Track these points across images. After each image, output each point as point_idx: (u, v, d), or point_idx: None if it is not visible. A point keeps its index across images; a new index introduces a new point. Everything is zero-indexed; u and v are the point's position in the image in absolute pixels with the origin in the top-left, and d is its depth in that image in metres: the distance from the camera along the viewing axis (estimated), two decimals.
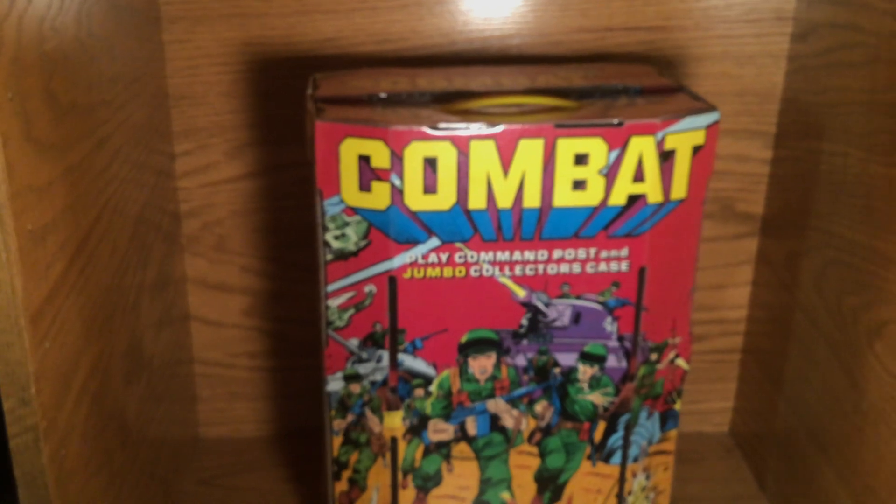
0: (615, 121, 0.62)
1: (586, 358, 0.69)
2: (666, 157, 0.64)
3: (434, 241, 0.64)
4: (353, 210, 0.63)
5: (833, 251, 0.73)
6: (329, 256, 0.65)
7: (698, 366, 0.95)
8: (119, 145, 0.69)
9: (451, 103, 0.66)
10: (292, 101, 0.85)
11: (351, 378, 0.69)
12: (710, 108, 0.65)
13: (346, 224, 0.63)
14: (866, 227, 0.68)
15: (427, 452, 0.72)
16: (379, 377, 0.69)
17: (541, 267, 0.66)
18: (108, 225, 0.66)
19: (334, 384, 0.69)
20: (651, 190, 0.64)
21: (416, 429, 0.70)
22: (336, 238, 0.64)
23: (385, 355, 0.68)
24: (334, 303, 0.66)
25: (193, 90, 0.84)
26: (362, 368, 0.68)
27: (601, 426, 0.72)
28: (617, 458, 0.73)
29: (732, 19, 0.83)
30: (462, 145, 0.62)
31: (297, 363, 0.94)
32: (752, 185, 0.88)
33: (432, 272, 0.65)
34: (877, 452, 0.66)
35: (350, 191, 0.63)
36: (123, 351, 0.70)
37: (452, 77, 0.72)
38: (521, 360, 0.69)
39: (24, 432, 0.53)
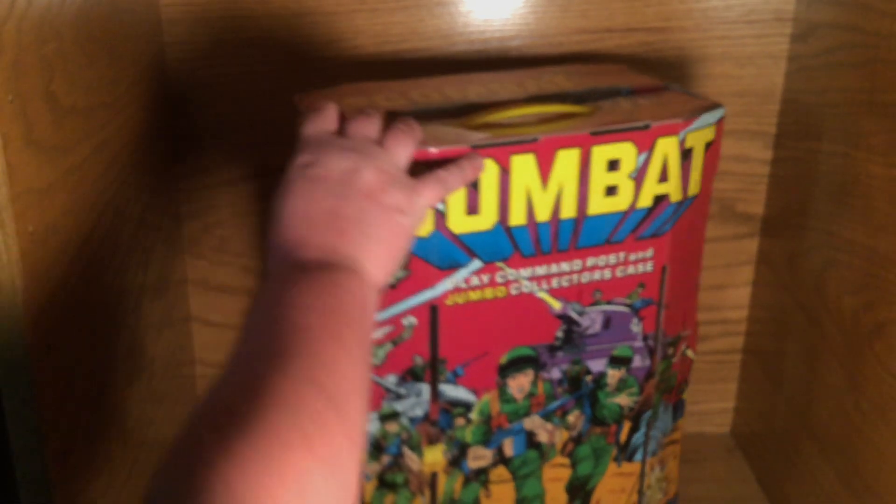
0: (642, 123, 0.62)
1: (615, 361, 0.69)
2: (686, 155, 0.64)
3: (476, 264, 0.61)
4: None
5: (833, 251, 0.73)
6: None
7: (699, 366, 0.95)
8: (119, 147, 0.69)
9: (463, 118, 0.63)
10: (292, 101, 0.85)
11: (387, 417, 0.65)
12: (717, 104, 0.66)
13: None
14: (866, 227, 0.68)
15: (466, 482, 0.68)
16: (419, 412, 0.65)
17: (575, 277, 0.65)
18: (109, 226, 0.66)
19: (373, 426, 0.65)
20: (673, 189, 0.65)
21: (457, 459, 0.67)
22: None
23: (425, 388, 0.64)
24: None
25: (194, 92, 0.84)
26: (400, 405, 0.64)
27: (626, 427, 0.72)
28: (639, 455, 0.73)
29: (732, 20, 0.83)
30: (503, 160, 0.59)
31: None
32: (752, 185, 0.88)
33: (474, 295, 0.62)
34: (877, 452, 0.66)
35: None
36: (124, 352, 0.70)
37: (443, 89, 0.70)
38: (556, 374, 0.67)
39: (26, 434, 0.54)
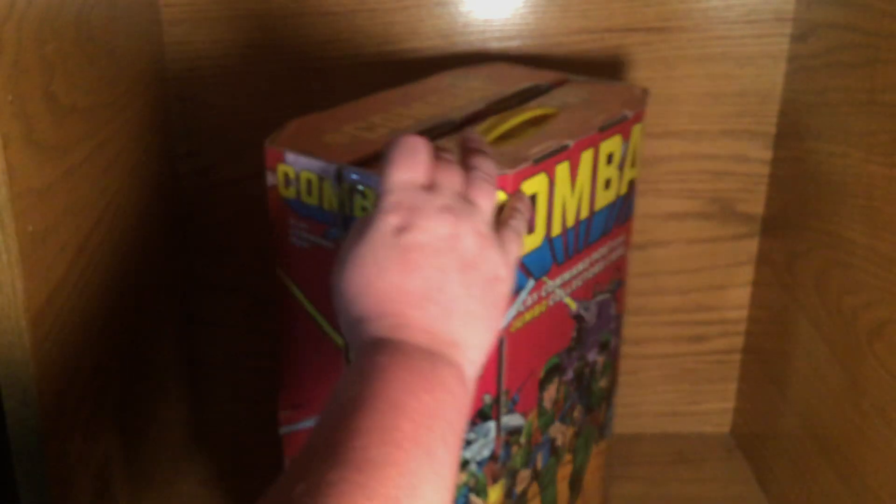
0: (629, 114, 0.64)
1: (601, 348, 0.70)
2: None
3: (531, 283, 0.59)
4: None
5: (833, 251, 0.73)
6: None
7: (699, 366, 0.95)
8: (119, 147, 0.69)
9: (450, 136, 0.60)
10: (292, 102, 0.85)
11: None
12: (637, 87, 0.70)
13: None
14: (866, 227, 0.68)
15: None
16: (486, 453, 0.60)
17: (586, 274, 0.65)
18: (110, 226, 0.66)
19: None
20: (637, 172, 0.67)
21: (510, 490, 0.64)
22: None
23: (492, 426, 0.60)
24: None
25: (194, 92, 0.84)
26: (469, 452, 0.60)
27: (604, 407, 0.72)
28: (608, 430, 0.74)
29: (732, 20, 0.83)
30: (551, 172, 0.58)
31: None
32: (752, 186, 0.88)
33: (528, 316, 0.59)
34: (877, 452, 0.66)
35: None
36: (124, 352, 0.70)
37: (407, 107, 0.66)
38: (570, 375, 0.66)
39: (26, 434, 0.54)
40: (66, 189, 0.58)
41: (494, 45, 0.83)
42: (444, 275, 0.46)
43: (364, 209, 0.54)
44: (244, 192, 0.87)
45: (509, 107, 0.65)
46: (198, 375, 0.94)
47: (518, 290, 0.57)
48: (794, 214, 0.82)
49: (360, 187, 0.54)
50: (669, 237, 0.90)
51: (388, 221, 0.47)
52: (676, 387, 0.95)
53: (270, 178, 0.58)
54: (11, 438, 0.54)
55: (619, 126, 0.63)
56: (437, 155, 0.51)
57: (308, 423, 0.63)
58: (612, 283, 0.69)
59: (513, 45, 0.83)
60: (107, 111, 0.66)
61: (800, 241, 0.80)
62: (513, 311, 0.57)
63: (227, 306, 0.92)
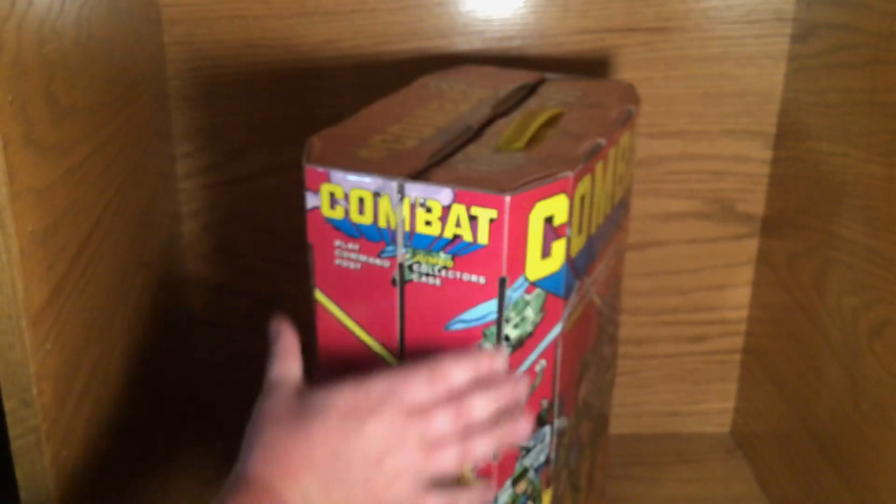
0: (633, 108, 0.64)
1: (611, 340, 0.70)
2: None
3: (577, 283, 0.58)
4: (535, 285, 0.53)
5: (833, 251, 0.73)
6: (507, 352, 0.54)
7: (699, 366, 0.95)
8: (119, 147, 0.69)
9: (490, 141, 0.59)
10: (292, 102, 0.85)
11: (519, 478, 0.58)
12: (622, 80, 0.71)
13: (526, 305, 0.54)
14: (866, 227, 0.68)
15: None
16: (542, 458, 0.59)
17: (606, 269, 0.65)
18: (109, 226, 0.66)
19: (504, 497, 0.58)
20: (632, 166, 0.68)
21: (557, 493, 0.63)
22: (515, 326, 0.54)
23: (548, 431, 0.58)
24: None
25: (194, 92, 0.84)
26: (528, 460, 0.58)
27: (608, 399, 0.73)
28: (609, 422, 0.75)
29: (732, 20, 0.83)
30: (594, 171, 0.57)
31: None
32: (752, 185, 0.88)
33: (574, 316, 0.58)
34: (877, 452, 0.66)
35: (534, 264, 0.53)
36: (124, 352, 0.70)
37: (416, 115, 0.64)
38: (592, 370, 0.66)
39: (26, 433, 0.54)
40: (66, 189, 0.58)
41: (494, 45, 0.83)
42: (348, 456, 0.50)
43: (428, 223, 0.52)
44: (244, 191, 0.87)
45: (511, 109, 0.65)
46: (198, 375, 0.94)
47: (568, 292, 0.56)
48: (794, 214, 0.82)
49: (424, 201, 0.52)
50: (669, 237, 0.90)
51: (345, 403, 0.51)
52: (676, 387, 0.95)
53: (312, 200, 0.55)
54: (13, 440, 0.54)
55: (629, 121, 0.64)
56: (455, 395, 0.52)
57: None
58: (618, 277, 0.69)
59: (513, 45, 0.83)
60: (107, 111, 0.66)
61: (800, 241, 0.80)
62: (566, 313, 0.56)
63: (227, 306, 0.92)
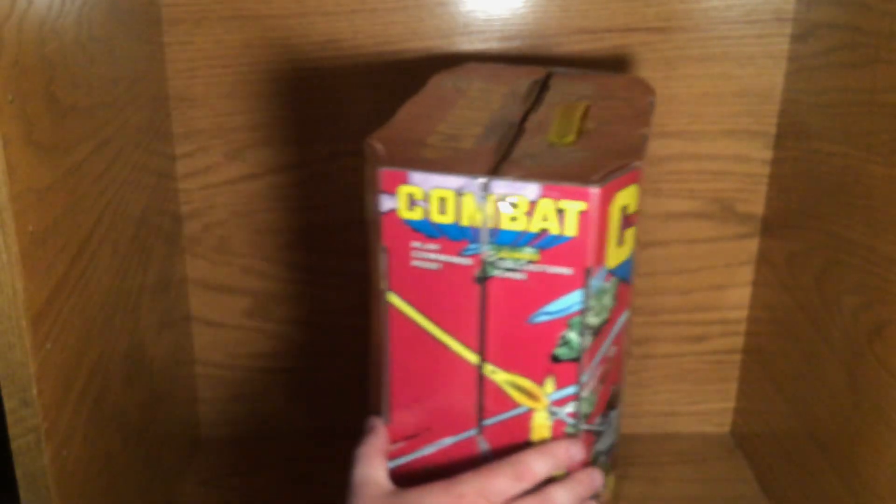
0: (653, 99, 0.64)
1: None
2: None
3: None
4: (612, 273, 0.54)
5: (833, 251, 0.73)
6: (588, 341, 0.54)
7: (699, 366, 0.95)
8: (119, 147, 0.69)
9: (542, 134, 0.59)
10: (292, 102, 0.85)
11: (593, 463, 0.59)
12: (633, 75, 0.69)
13: (605, 293, 0.54)
14: (866, 227, 0.68)
15: None
16: (609, 441, 0.59)
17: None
18: (109, 226, 0.66)
19: None
20: None
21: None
22: (596, 315, 0.54)
23: (615, 414, 0.59)
24: (586, 391, 0.56)
25: (194, 92, 0.84)
26: (601, 444, 0.59)
27: None
28: None
29: (732, 20, 0.83)
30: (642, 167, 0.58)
31: (298, 364, 0.94)
32: (752, 185, 0.88)
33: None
34: (877, 452, 0.66)
35: (612, 253, 0.53)
36: (124, 352, 0.70)
37: (457, 114, 0.64)
38: None
39: (26, 433, 0.54)
40: (66, 189, 0.58)
41: (494, 45, 0.83)
42: None
43: (514, 219, 0.52)
44: (244, 191, 0.87)
45: (536, 104, 0.64)
46: (198, 375, 0.94)
47: (632, 278, 0.57)
48: (794, 214, 0.82)
49: (510, 197, 0.52)
50: (669, 237, 0.90)
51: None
52: (677, 387, 0.95)
53: (387, 203, 0.54)
54: (13, 439, 0.54)
55: (653, 111, 0.63)
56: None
57: (425, 452, 0.60)
58: None
59: (513, 45, 0.83)
60: (107, 111, 0.66)
61: (800, 241, 0.80)
62: (632, 296, 0.58)
63: (227, 306, 0.92)
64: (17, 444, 0.54)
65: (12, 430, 0.53)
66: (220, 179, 0.87)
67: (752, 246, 0.90)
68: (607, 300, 0.54)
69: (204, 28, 0.82)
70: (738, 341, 0.94)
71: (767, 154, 0.87)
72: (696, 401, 0.96)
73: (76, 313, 0.59)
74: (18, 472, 0.54)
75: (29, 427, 0.53)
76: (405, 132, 0.59)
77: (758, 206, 0.89)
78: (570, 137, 0.57)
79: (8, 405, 0.53)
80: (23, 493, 0.55)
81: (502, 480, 0.54)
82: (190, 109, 0.84)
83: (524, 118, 0.61)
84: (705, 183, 0.88)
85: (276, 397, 0.96)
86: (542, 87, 0.68)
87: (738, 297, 0.92)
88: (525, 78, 0.70)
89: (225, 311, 0.92)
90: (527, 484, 0.54)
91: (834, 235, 0.73)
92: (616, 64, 0.84)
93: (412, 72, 0.83)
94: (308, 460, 0.93)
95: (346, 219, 0.88)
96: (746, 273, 0.91)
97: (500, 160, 0.54)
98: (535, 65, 0.79)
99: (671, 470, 0.92)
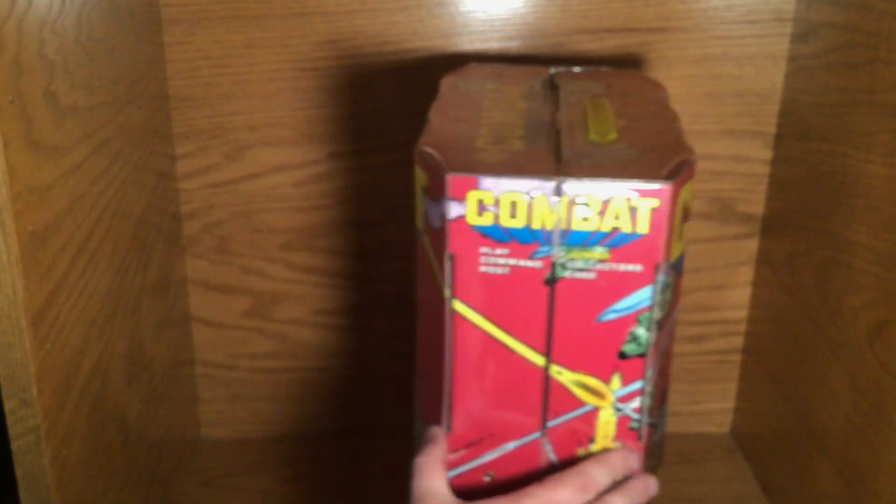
0: (667, 94, 0.64)
1: None
2: None
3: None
4: (672, 267, 0.54)
5: (833, 251, 0.73)
6: (654, 336, 0.54)
7: (699, 366, 0.95)
8: (119, 147, 0.69)
9: (582, 134, 0.59)
10: (292, 102, 0.85)
11: (651, 454, 0.59)
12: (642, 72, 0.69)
13: (668, 287, 0.54)
14: (866, 227, 0.68)
15: None
16: (661, 433, 0.60)
17: None
18: (109, 226, 0.66)
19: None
20: None
21: None
22: (661, 309, 0.54)
23: (667, 406, 0.60)
24: (650, 385, 0.56)
25: (194, 92, 0.84)
26: (657, 436, 0.59)
27: None
28: None
29: (732, 20, 0.83)
30: None
31: (298, 364, 0.94)
32: (752, 186, 0.88)
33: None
34: (877, 453, 0.66)
35: (675, 248, 0.54)
36: (124, 352, 0.70)
37: (492, 117, 0.63)
38: None
39: (26, 433, 0.54)
40: (67, 189, 0.58)
41: (494, 45, 0.83)
42: None
43: (585, 219, 0.52)
44: (244, 191, 0.87)
45: (555, 104, 0.64)
46: (198, 375, 0.94)
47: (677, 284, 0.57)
48: (794, 214, 0.82)
49: (582, 198, 0.52)
50: None
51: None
52: (676, 387, 0.95)
53: (455, 209, 0.53)
54: (13, 439, 0.54)
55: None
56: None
57: (487, 458, 0.59)
58: None
59: (513, 45, 0.83)
60: (107, 111, 0.66)
61: (800, 241, 0.80)
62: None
63: (227, 306, 0.92)
64: (17, 444, 0.54)
65: (12, 430, 0.53)
66: (220, 179, 0.87)
67: (752, 246, 0.90)
68: (668, 294, 0.54)
69: (204, 28, 0.82)
70: (738, 341, 0.94)
71: (767, 154, 0.87)
72: (695, 401, 0.96)
73: (76, 313, 0.59)
74: (18, 472, 0.54)
75: (29, 427, 0.53)
76: (450, 137, 0.58)
77: (758, 206, 0.89)
78: (613, 135, 0.57)
79: (8, 405, 0.53)
80: (23, 493, 0.55)
81: (568, 492, 0.54)
82: (190, 109, 0.85)
83: (555, 119, 0.61)
84: (705, 183, 0.88)
85: (276, 397, 0.96)
86: (551, 86, 0.68)
87: (737, 297, 0.92)
88: (532, 77, 0.70)
89: (225, 311, 0.92)
90: (590, 496, 0.55)
91: (834, 235, 0.73)
92: (616, 64, 0.84)
93: (412, 72, 0.83)
94: (308, 460, 0.93)
95: (346, 219, 0.88)
96: (746, 273, 0.91)
97: (557, 161, 0.54)
98: (535, 65, 0.79)
99: (671, 470, 0.92)
